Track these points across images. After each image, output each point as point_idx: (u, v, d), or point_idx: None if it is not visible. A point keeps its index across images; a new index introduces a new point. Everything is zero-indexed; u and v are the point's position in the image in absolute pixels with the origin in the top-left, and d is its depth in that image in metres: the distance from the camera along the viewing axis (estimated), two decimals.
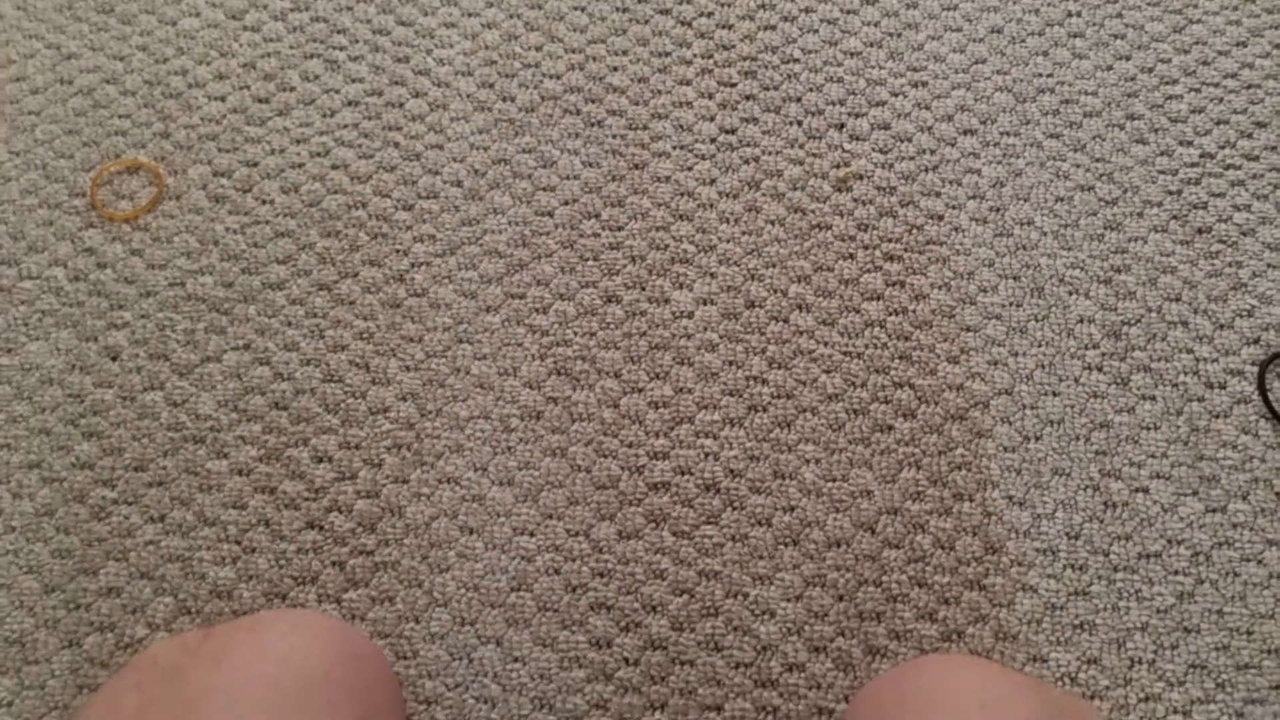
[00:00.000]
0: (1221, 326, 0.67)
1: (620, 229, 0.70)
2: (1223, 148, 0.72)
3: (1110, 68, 0.75)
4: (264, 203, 0.70)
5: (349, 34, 0.76)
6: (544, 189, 0.71)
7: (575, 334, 0.67)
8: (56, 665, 0.59)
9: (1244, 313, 0.67)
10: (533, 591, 0.60)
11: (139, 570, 0.61)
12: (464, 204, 0.70)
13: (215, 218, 0.70)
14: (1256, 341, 0.66)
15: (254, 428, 0.64)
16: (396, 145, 0.72)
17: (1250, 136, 0.72)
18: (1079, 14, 0.77)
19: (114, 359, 0.66)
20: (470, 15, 0.77)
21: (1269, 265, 0.68)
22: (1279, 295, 0.67)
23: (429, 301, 0.67)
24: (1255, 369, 0.65)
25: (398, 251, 0.69)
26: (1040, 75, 0.75)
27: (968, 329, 0.67)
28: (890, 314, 0.67)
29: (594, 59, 0.75)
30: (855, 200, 0.71)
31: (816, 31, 0.76)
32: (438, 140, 0.72)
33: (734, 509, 0.62)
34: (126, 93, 0.74)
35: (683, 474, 0.63)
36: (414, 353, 0.66)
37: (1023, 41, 0.76)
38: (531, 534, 0.61)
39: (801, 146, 0.72)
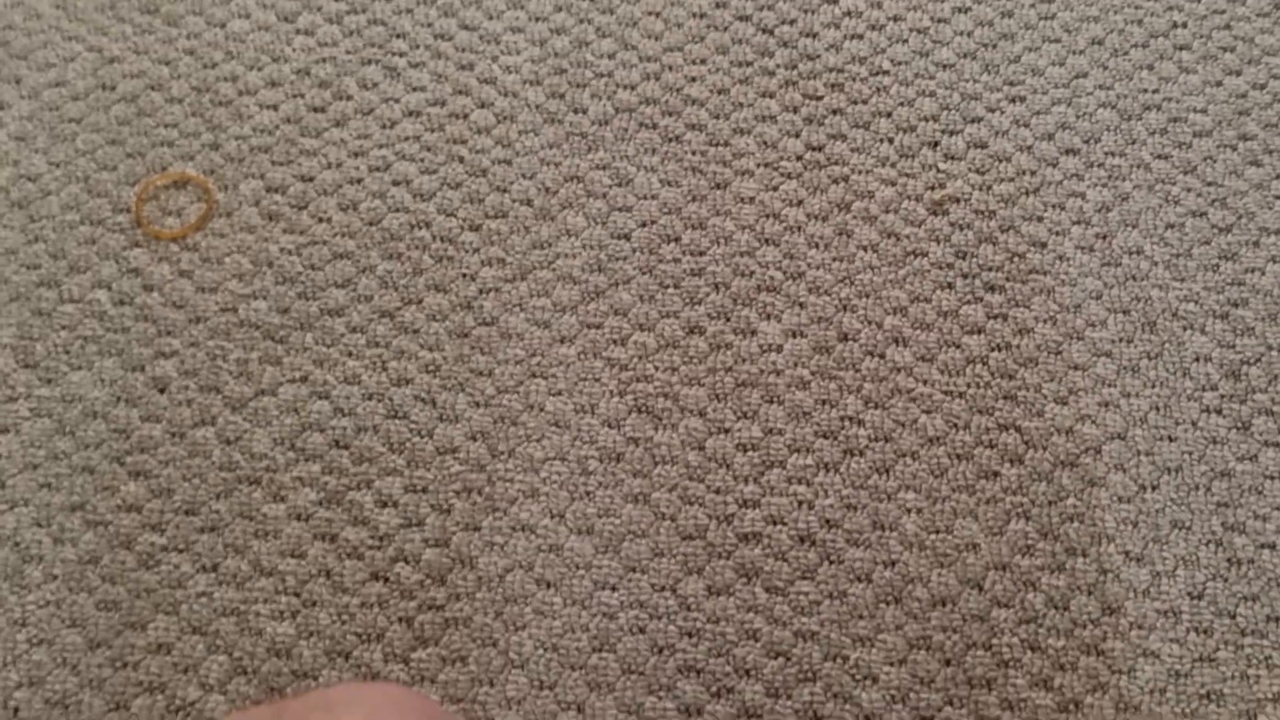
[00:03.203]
0: None
1: (702, 254, 0.65)
2: None
3: (1220, 83, 0.70)
4: (321, 221, 0.66)
5: (409, 38, 0.71)
6: (620, 209, 0.66)
7: (656, 368, 0.62)
8: None
9: None
10: (616, 652, 0.56)
11: (191, 625, 0.56)
12: (535, 224, 0.66)
13: (269, 237, 0.65)
14: None
15: (313, 468, 0.60)
16: (461, 160, 0.68)
17: None
18: (1185, 25, 0.72)
19: (162, 391, 0.61)
20: (538, 20, 0.72)
21: None
22: None
23: (499, 331, 0.63)
24: None
25: (464, 276, 0.64)
26: (1146, 91, 0.70)
27: (1076, 367, 0.62)
28: (993, 349, 0.63)
29: (670, 68, 0.70)
30: (952, 224, 0.66)
31: (906, 41, 0.72)
32: (505, 155, 0.68)
33: (831, 563, 0.58)
34: (173, 100, 0.69)
35: (775, 524, 0.58)
36: (484, 387, 0.61)
37: (1126, 54, 0.71)
38: (614, 588, 0.57)
39: (894, 165, 0.68)
